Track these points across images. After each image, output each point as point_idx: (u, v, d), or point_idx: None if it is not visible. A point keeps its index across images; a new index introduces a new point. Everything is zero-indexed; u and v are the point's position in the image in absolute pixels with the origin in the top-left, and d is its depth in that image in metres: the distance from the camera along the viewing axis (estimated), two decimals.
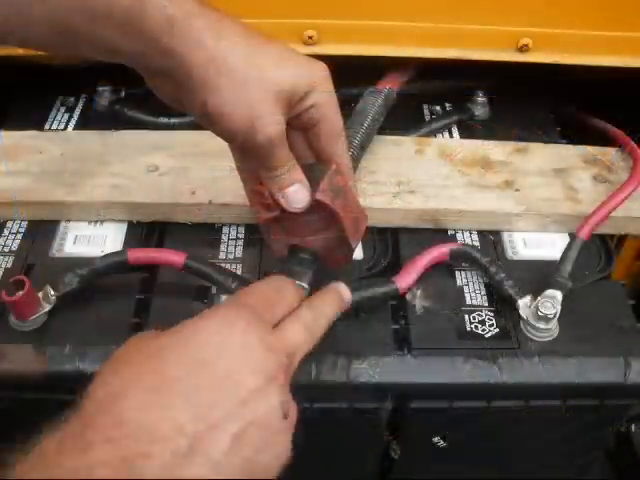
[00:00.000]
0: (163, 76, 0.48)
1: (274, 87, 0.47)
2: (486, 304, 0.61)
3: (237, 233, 0.66)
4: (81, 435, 0.36)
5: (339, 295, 0.52)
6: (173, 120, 0.76)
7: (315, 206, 0.52)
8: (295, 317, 0.47)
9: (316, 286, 0.57)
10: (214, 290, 0.60)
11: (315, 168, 0.53)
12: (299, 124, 0.51)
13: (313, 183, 0.52)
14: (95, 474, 0.34)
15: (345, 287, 0.53)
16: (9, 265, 0.62)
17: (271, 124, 0.47)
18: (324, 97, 0.50)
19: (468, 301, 0.61)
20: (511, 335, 0.58)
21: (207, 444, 0.37)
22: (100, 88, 0.80)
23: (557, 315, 0.57)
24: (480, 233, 0.67)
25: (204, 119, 0.48)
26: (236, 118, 0.47)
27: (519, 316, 0.58)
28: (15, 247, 0.64)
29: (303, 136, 0.53)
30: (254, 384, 0.40)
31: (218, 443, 0.37)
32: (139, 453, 0.35)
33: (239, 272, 0.62)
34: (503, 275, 0.60)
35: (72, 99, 0.82)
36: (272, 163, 0.50)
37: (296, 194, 0.51)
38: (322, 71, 0.50)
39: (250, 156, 0.51)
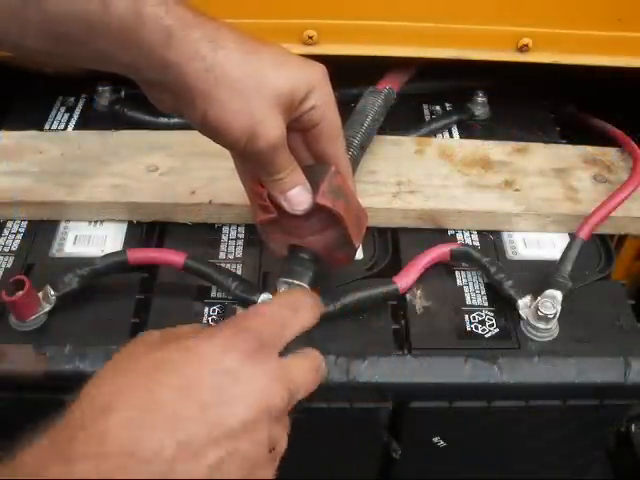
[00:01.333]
0: (161, 87, 0.48)
1: (273, 92, 0.47)
2: (486, 304, 0.61)
3: (237, 233, 0.66)
4: (64, 448, 0.36)
5: None
6: (173, 120, 0.76)
7: (316, 208, 0.52)
8: (304, 355, 0.47)
9: (316, 287, 0.57)
10: (214, 290, 0.60)
11: (315, 170, 0.53)
12: (299, 126, 0.51)
13: (313, 185, 0.52)
14: None
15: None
16: (9, 265, 0.62)
17: (272, 129, 0.47)
18: (323, 98, 0.50)
19: (468, 301, 0.61)
20: (511, 335, 0.58)
21: (185, 471, 0.37)
22: (100, 88, 0.80)
23: (557, 315, 0.57)
24: (480, 233, 0.67)
25: (205, 129, 0.48)
26: (237, 126, 0.47)
27: (519, 316, 0.58)
28: (15, 247, 0.64)
29: (302, 138, 0.53)
30: (243, 416, 0.39)
31: (196, 470, 0.37)
32: (119, 472, 0.35)
33: (239, 272, 0.62)
34: (503, 275, 0.60)
35: (72, 99, 0.82)
36: (273, 167, 0.50)
37: (298, 197, 0.51)
38: (320, 72, 0.50)
39: (251, 161, 0.51)
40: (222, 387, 0.39)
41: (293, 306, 0.47)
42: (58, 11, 0.44)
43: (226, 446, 0.38)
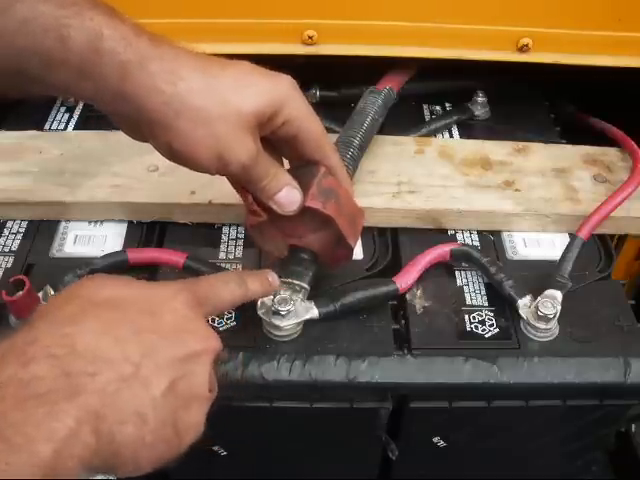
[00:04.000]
0: (124, 119, 0.48)
1: (238, 116, 0.46)
2: (486, 304, 0.61)
3: (237, 233, 0.66)
4: (24, 350, 0.37)
5: None
6: None
7: (308, 209, 0.52)
8: None
9: (315, 286, 0.57)
10: None
11: (305, 170, 0.53)
12: (278, 139, 0.51)
13: (303, 186, 0.52)
14: (31, 387, 0.36)
15: None
16: (9, 265, 0.62)
17: (241, 153, 0.47)
18: (294, 112, 0.49)
19: (468, 301, 0.61)
20: (511, 335, 0.58)
21: (149, 379, 0.40)
22: None
23: (557, 315, 0.57)
24: (480, 233, 0.67)
25: (173, 158, 0.49)
26: (204, 155, 0.47)
27: (519, 316, 0.58)
28: (15, 247, 0.64)
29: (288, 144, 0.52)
30: (195, 347, 0.43)
31: (158, 382, 0.40)
32: (83, 371, 0.37)
33: None
34: (503, 275, 0.60)
35: (72, 99, 0.82)
36: (253, 179, 0.50)
37: (287, 198, 0.51)
38: (287, 86, 0.49)
39: (229, 177, 0.51)
40: (177, 320, 0.43)
41: (234, 282, 0.50)
42: (15, 47, 0.44)
43: (181, 368, 0.42)
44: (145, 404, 0.39)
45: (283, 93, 0.49)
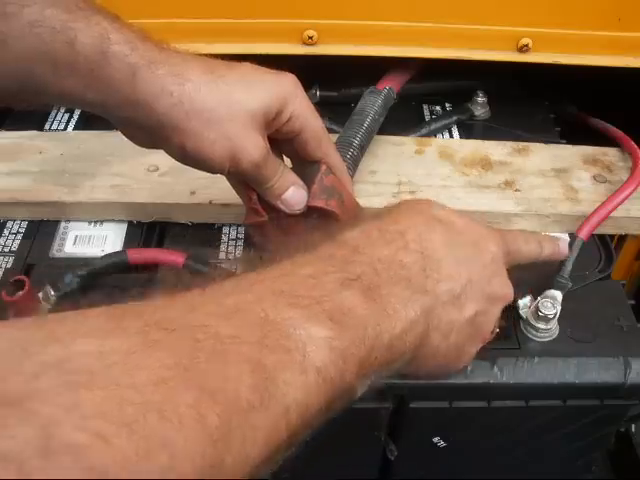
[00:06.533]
0: (134, 125, 0.48)
1: (247, 114, 0.47)
2: None
3: (237, 233, 0.66)
4: (401, 235, 0.44)
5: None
6: None
7: (310, 207, 0.52)
8: None
9: None
10: None
11: (306, 169, 0.53)
12: (282, 136, 0.51)
13: (306, 183, 0.52)
14: (404, 270, 0.42)
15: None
16: (9, 265, 0.62)
17: (253, 150, 0.48)
18: (298, 108, 0.50)
19: None
20: (511, 335, 0.58)
21: (464, 304, 0.45)
22: None
23: (557, 315, 0.57)
24: None
25: (186, 161, 0.49)
26: (217, 155, 0.47)
27: (519, 316, 0.58)
28: (15, 247, 0.64)
29: (290, 143, 0.53)
30: (498, 291, 0.47)
31: (468, 309, 0.45)
32: (432, 275, 0.43)
33: (239, 272, 0.62)
34: None
35: None
36: (262, 179, 0.50)
37: (293, 197, 0.52)
38: (290, 83, 0.50)
39: (238, 178, 0.51)
40: (493, 260, 0.47)
41: (533, 243, 0.55)
42: (24, 51, 0.44)
43: (484, 305, 0.46)
44: (454, 323, 0.44)
45: (287, 90, 0.50)
